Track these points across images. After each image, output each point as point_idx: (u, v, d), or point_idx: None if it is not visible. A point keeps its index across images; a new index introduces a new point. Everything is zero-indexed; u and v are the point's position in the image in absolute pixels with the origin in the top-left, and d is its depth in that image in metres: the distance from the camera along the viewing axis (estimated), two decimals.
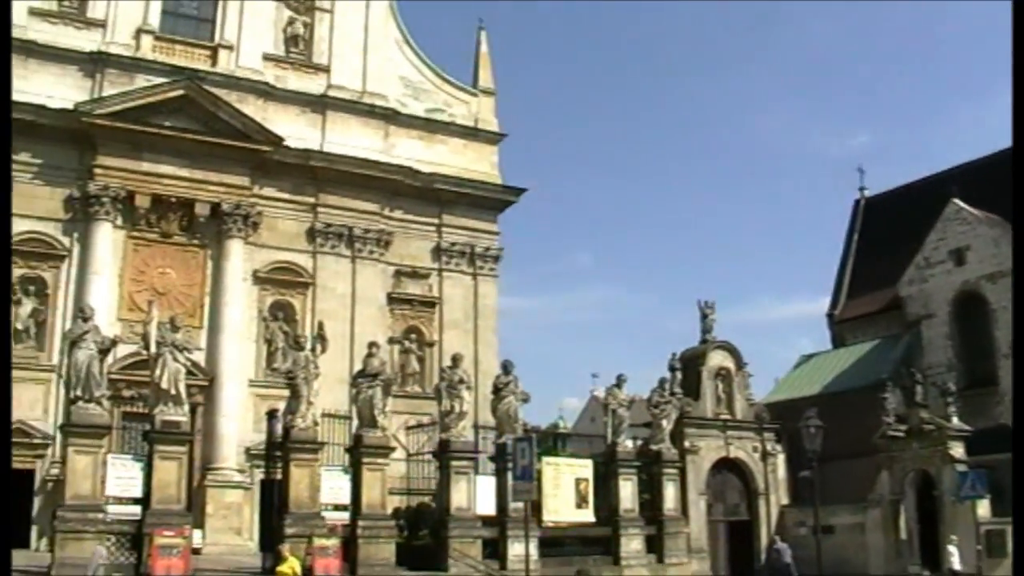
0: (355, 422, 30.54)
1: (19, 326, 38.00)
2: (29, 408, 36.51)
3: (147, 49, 42.26)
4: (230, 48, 43.77)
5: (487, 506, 31.68)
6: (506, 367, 33.69)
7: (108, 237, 39.69)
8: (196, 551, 28.20)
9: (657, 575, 35.50)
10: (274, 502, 29.83)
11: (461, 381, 31.89)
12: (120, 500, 26.22)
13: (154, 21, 42.90)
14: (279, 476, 29.52)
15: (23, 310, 38.22)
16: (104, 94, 40.36)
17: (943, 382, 42.00)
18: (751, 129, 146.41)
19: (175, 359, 27.31)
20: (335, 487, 29.44)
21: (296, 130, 43.69)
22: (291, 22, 45.67)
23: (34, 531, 35.44)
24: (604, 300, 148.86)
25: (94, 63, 41.22)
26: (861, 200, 62.80)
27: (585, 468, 34.49)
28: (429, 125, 47.40)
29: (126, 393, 36.79)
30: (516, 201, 47.70)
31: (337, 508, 29.34)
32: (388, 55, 47.30)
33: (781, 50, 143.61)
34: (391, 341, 43.04)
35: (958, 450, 37.92)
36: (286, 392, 29.97)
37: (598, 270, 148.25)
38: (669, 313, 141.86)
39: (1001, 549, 35.34)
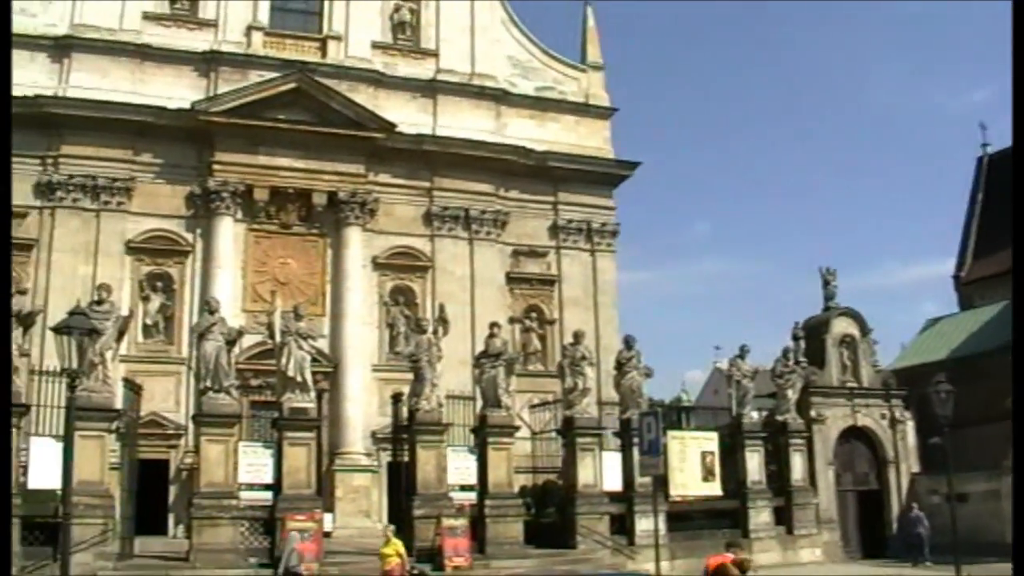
0: (479, 402, 30.80)
1: (148, 321, 39.21)
2: (161, 400, 37.47)
3: (258, 45, 43.03)
4: (339, 39, 44.24)
5: (613, 482, 31.65)
6: (628, 342, 33.57)
7: (229, 231, 40.55)
8: (327, 534, 28.63)
9: (787, 547, 35.14)
10: (402, 484, 30.29)
11: (584, 358, 31.85)
12: (252, 486, 26.77)
13: (263, 17, 43.66)
14: (406, 458, 29.96)
15: (151, 306, 39.45)
16: (219, 92, 41.16)
17: None
18: (868, 88, 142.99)
19: (300, 347, 27.72)
20: (461, 467, 29.68)
21: (408, 116, 43.95)
22: (397, 9, 45.95)
23: (171, 519, 36.52)
24: (723, 270, 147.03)
25: (208, 62, 42.11)
26: (984, 157, 60.75)
27: (711, 441, 34.25)
28: (540, 103, 47.28)
29: (253, 382, 37.51)
30: (631, 175, 47.23)
31: (464, 488, 29.60)
32: (495, 36, 47.30)
33: (894, 5, 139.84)
34: (511, 321, 43.15)
35: None
36: (409, 376, 30.29)
37: (716, 240, 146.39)
38: (789, 281, 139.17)
39: None
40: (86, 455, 22.66)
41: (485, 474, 29.47)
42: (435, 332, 29.97)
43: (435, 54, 45.92)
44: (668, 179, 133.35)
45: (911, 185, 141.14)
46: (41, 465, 23.73)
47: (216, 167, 40.62)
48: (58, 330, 18.56)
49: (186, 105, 40.41)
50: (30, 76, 39.84)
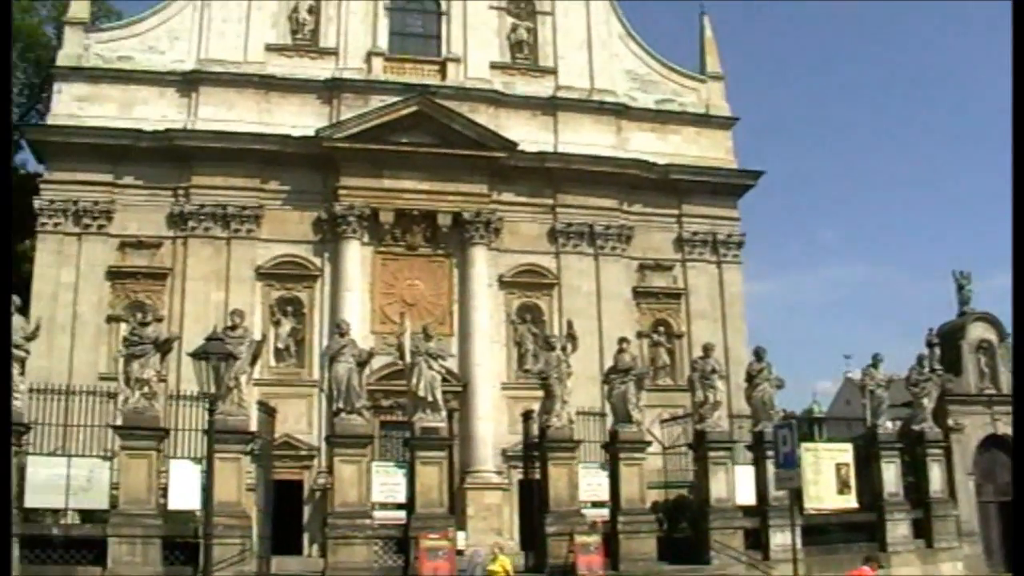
0: (609, 418, 30.63)
1: (280, 345, 40.05)
2: (295, 422, 38.18)
3: (378, 71, 43.71)
4: (457, 61, 44.68)
5: (746, 496, 31.14)
6: (758, 354, 33.08)
7: (357, 254, 41.14)
8: (459, 552, 28.70)
9: (927, 561, 34.18)
10: (534, 501, 30.25)
11: (714, 371, 31.48)
12: (385, 505, 27.05)
13: (383, 43, 44.33)
14: (537, 476, 29.92)
15: (283, 330, 40.32)
16: (342, 118, 41.85)
17: None
18: (999, 82, 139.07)
19: (430, 367, 27.88)
20: (593, 484, 29.51)
21: (529, 134, 44.12)
22: (514, 28, 46.24)
23: (305, 538, 36.97)
24: (851, 277, 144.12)
25: (330, 90, 42.92)
26: None
27: (845, 452, 33.49)
28: (660, 116, 47.03)
29: (384, 402, 37.99)
30: (754, 185, 46.69)
31: (596, 505, 29.43)
32: (613, 51, 47.24)
33: None
34: (639, 335, 42.87)
35: None
36: (539, 393, 30.29)
37: (842, 246, 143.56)
38: (921, 286, 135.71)
39: None
40: (224, 477, 23.03)
41: (617, 490, 29.24)
42: (564, 349, 29.89)
43: (553, 71, 46.01)
44: (791, 186, 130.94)
45: None
46: (180, 487, 24.37)
47: (342, 192, 41.28)
48: (196, 356, 18.93)
49: (311, 132, 41.19)
50: (160, 111, 41.32)
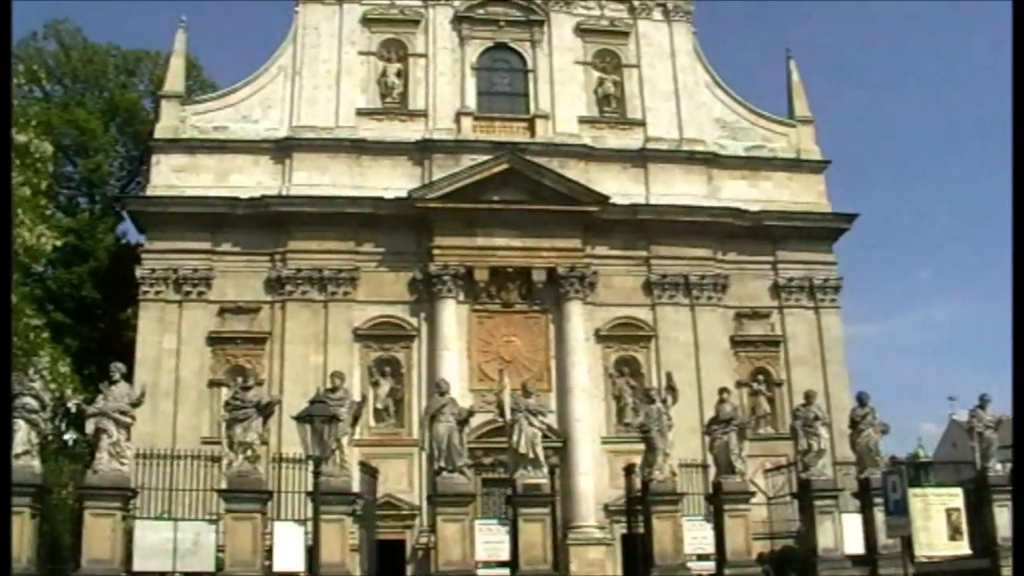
0: (712, 469, 30.30)
1: (379, 405, 40.26)
2: (395, 482, 38.15)
3: (468, 130, 44.13)
4: (546, 117, 44.91)
5: (854, 545, 30.47)
6: (861, 399, 32.46)
7: (453, 313, 41.32)
8: None
9: None
10: (637, 556, 29.89)
11: (817, 418, 30.96)
12: (488, 563, 26.84)
13: (471, 103, 44.76)
14: (640, 530, 29.54)
15: (381, 390, 40.52)
16: (434, 178, 42.26)
17: None
18: None
19: (530, 424, 27.79)
20: (698, 536, 29.05)
21: (620, 186, 44.10)
22: (601, 82, 46.42)
23: None
24: (951, 316, 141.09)
25: (421, 151, 43.39)
26: None
27: (955, 497, 32.53)
28: (751, 163, 46.73)
29: (485, 460, 37.78)
30: (849, 228, 46.06)
31: (701, 558, 28.92)
32: (700, 100, 47.16)
33: None
34: (738, 384, 42.34)
35: None
36: (639, 446, 29.95)
37: (940, 285, 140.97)
38: None
39: None
40: (328, 538, 23.08)
41: (722, 542, 28.75)
42: (664, 401, 29.67)
43: (642, 123, 46.02)
44: (886, 226, 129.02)
45: None
46: (285, 549, 24.56)
47: (436, 251, 41.61)
48: (300, 419, 19.11)
49: (403, 194, 41.64)
50: (255, 178, 42.16)
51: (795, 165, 47.09)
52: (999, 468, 34.08)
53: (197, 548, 24.35)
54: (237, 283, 41.37)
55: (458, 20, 45.90)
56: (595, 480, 40.31)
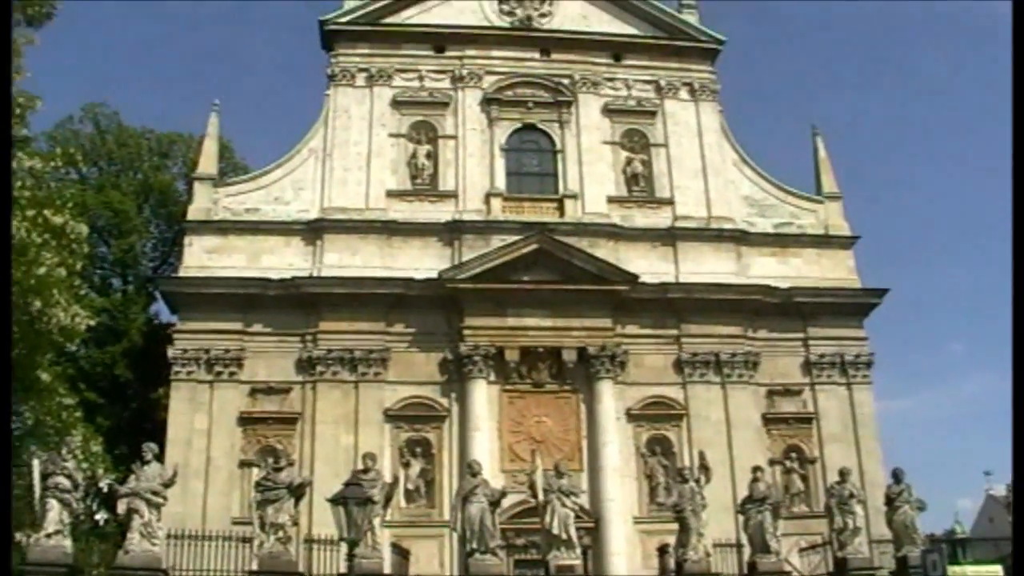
0: (747, 549, 29.95)
1: (410, 486, 39.87)
2: (426, 564, 37.75)
3: (497, 211, 44.38)
4: (575, 197, 45.12)
5: None
6: (897, 475, 32.16)
7: (483, 393, 41.23)
8: None
9: None
10: None
11: (852, 495, 30.69)
12: None
13: (501, 184, 45.07)
14: None
15: (412, 471, 40.23)
16: (464, 259, 42.42)
17: None
18: None
19: (563, 504, 27.71)
20: None
21: (649, 265, 44.15)
22: (629, 162, 46.69)
23: None
24: (985, 390, 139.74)
25: (451, 232, 43.61)
26: None
27: (995, 575, 32.23)
28: (779, 240, 46.74)
29: (517, 541, 37.58)
30: (879, 303, 45.87)
31: None
32: (728, 178, 47.32)
33: None
34: (771, 462, 41.95)
35: None
36: (672, 526, 29.77)
37: (973, 358, 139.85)
38: None
39: None
40: None
41: None
42: (698, 480, 29.48)
43: (670, 202, 46.16)
44: (916, 301, 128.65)
45: None
46: None
47: (466, 332, 41.62)
48: (335, 501, 19.09)
49: (434, 275, 41.80)
50: (287, 259, 42.39)
51: (824, 241, 47.04)
52: None
53: None
54: (268, 363, 41.45)
55: (487, 102, 46.40)
56: (628, 561, 39.78)
